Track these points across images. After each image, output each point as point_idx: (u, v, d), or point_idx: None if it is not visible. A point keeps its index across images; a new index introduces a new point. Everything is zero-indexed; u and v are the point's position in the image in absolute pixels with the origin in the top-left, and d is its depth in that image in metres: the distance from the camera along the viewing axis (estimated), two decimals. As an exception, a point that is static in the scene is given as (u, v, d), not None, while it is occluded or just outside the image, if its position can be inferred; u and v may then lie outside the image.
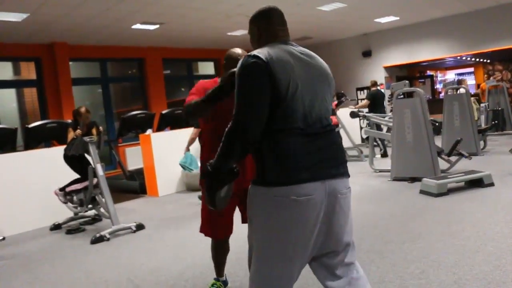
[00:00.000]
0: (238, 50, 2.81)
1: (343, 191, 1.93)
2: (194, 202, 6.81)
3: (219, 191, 1.90)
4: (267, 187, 1.83)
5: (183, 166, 7.40)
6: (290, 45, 2.01)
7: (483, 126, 10.64)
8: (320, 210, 1.85)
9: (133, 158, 10.04)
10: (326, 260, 1.98)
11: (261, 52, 1.85)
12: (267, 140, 1.84)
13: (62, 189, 5.89)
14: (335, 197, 1.88)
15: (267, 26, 2.09)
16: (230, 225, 3.02)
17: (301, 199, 1.79)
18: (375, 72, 13.83)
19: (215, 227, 3.01)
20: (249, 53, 1.87)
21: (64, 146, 5.93)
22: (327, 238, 1.93)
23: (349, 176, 2.01)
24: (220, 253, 3.20)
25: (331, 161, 1.90)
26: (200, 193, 3.79)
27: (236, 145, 1.80)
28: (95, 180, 5.54)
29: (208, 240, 4.48)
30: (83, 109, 6.06)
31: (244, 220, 2.90)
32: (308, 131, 1.86)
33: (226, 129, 1.81)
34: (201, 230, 3.12)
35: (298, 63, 1.90)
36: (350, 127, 11.16)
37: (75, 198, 5.82)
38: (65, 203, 5.90)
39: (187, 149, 6.96)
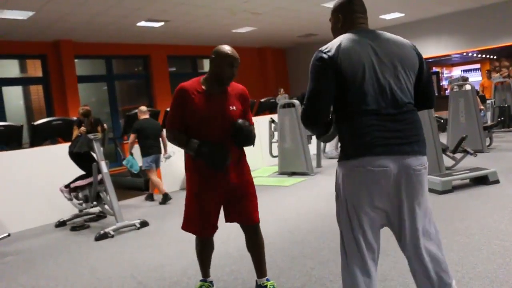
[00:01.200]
0: (226, 47, 2.82)
1: (416, 168, 2.05)
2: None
3: None
4: (347, 160, 2.05)
5: (128, 169, 7.27)
6: (368, 32, 2.17)
7: (489, 122, 10.58)
8: (392, 182, 2.01)
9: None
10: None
11: (330, 46, 2.08)
12: (344, 122, 2.06)
13: (67, 186, 5.92)
14: (407, 173, 2.02)
15: (351, 14, 2.22)
16: (216, 222, 3.03)
17: (376, 169, 1.97)
18: (381, 69, 13.77)
19: (202, 224, 3.00)
20: (321, 48, 2.09)
21: (69, 144, 5.97)
22: (399, 214, 2.08)
23: (424, 154, 2.13)
24: (205, 251, 3.18)
25: (404, 139, 2.03)
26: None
27: (309, 128, 2.16)
28: (99, 176, 5.56)
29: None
30: (82, 109, 6.14)
31: (228, 219, 3.08)
32: (381, 112, 2.01)
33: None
34: (184, 227, 3.12)
35: (370, 49, 2.06)
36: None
37: (80, 194, 5.85)
38: (70, 199, 5.93)
39: (130, 153, 6.95)
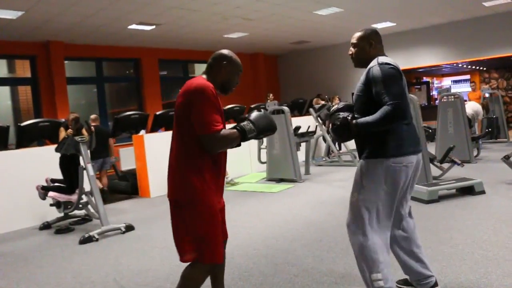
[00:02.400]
0: (234, 55, 2.62)
1: (421, 161, 2.80)
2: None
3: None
4: (386, 158, 2.62)
5: None
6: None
7: (478, 133, 10.66)
8: (411, 173, 2.72)
9: (126, 158, 10.00)
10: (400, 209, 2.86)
11: (391, 61, 2.70)
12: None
13: (45, 189, 5.88)
14: (418, 164, 2.77)
15: (380, 42, 2.87)
16: None
17: (408, 165, 2.66)
18: (371, 78, 13.83)
19: (220, 248, 2.53)
20: (381, 62, 2.67)
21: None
22: (406, 192, 2.82)
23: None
24: (221, 277, 2.82)
25: (417, 141, 2.75)
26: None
27: (388, 124, 2.57)
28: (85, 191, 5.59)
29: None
30: (73, 115, 6.14)
31: None
32: (410, 121, 2.71)
33: (385, 110, 2.51)
34: (209, 259, 2.46)
35: None
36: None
37: (53, 202, 5.86)
38: (42, 199, 5.90)
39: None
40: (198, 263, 2.46)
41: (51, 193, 5.86)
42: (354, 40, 2.86)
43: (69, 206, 5.86)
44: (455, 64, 15.49)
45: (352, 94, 3.11)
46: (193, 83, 2.39)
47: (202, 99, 2.33)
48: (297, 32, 11.78)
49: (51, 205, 5.92)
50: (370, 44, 2.81)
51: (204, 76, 2.54)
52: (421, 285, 2.86)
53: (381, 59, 2.69)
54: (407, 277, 3.03)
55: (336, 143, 10.25)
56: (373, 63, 2.70)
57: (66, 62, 10.73)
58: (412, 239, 2.89)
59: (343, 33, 12.52)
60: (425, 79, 20.35)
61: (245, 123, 2.49)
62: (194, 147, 2.41)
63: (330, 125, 2.80)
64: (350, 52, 2.90)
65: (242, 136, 2.46)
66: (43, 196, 5.90)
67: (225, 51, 2.60)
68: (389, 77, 2.58)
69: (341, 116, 2.70)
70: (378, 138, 2.64)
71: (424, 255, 2.88)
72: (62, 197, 5.82)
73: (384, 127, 2.58)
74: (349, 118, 2.67)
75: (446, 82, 21.26)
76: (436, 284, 2.86)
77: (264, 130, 2.54)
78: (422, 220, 4.84)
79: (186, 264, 2.54)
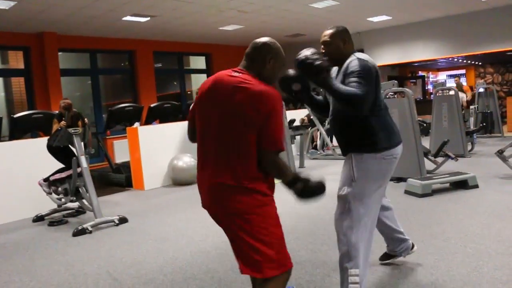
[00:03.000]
0: (276, 43, 2.38)
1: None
2: (179, 197, 6.78)
3: None
4: (379, 151, 2.67)
5: None
6: None
7: (472, 128, 10.70)
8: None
9: (120, 151, 9.97)
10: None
11: (369, 58, 2.67)
12: (376, 119, 2.67)
13: (46, 179, 5.84)
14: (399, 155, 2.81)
15: (350, 39, 2.81)
16: None
17: (397, 156, 2.76)
18: (367, 71, 13.83)
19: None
20: (360, 57, 2.63)
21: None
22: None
23: None
24: None
25: (398, 131, 2.84)
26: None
27: (346, 102, 2.54)
28: (79, 169, 5.49)
29: (190, 233, 4.49)
30: (63, 103, 6.05)
31: None
32: (388, 112, 2.79)
33: (351, 89, 2.47)
34: (285, 267, 2.22)
35: None
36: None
37: (60, 188, 5.77)
38: (49, 193, 5.85)
39: None
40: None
41: (53, 177, 5.77)
42: (326, 38, 2.76)
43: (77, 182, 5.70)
44: (450, 59, 15.50)
45: None
46: (265, 88, 2.12)
47: (280, 111, 2.12)
48: (292, 25, 11.73)
49: (58, 194, 5.80)
50: (344, 41, 2.75)
51: (244, 69, 2.26)
52: (402, 251, 3.32)
53: (359, 54, 2.67)
54: (385, 250, 3.42)
55: (328, 138, 10.26)
56: (352, 57, 2.65)
57: (60, 53, 10.64)
58: (391, 216, 3.27)
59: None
60: (420, 73, 20.37)
61: (299, 183, 2.20)
62: (251, 160, 2.11)
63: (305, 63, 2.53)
64: (323, 51, 2.75)
65: (287, 182, 2.20)
66: (48, 189, 5.83)
67: (268, 41, 2.32)
68: (365, 71, 2.53)
69: (323, 59, 2.50)
70: (367, 131, 2.65)
71: (400, 226, 3.29)
72: (66, 173, 5.72)
73: (340, 101, 2.53)
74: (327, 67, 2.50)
75: (442, 76, 21.30)
76: (412, 245, 3.36)
77: (301, 195, 2.23)
78: (415, 213, 4.86)
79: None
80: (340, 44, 2.74)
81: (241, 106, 2.09)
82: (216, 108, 2.17)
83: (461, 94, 10.60)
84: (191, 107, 2.38)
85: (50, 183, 5.82)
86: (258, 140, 2.08)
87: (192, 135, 2.42)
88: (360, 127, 2.66)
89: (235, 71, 2.23)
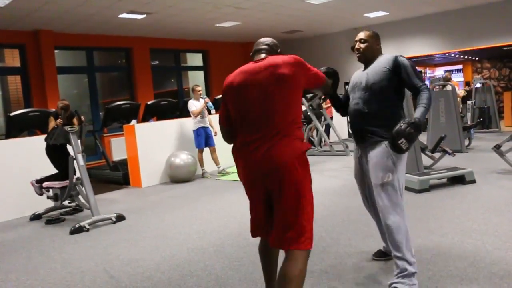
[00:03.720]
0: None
1: None
2: (177, 194, 6.78)
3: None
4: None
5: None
6: None
7: (469, 123, 10.71)
8: None
9: (118, 148, 9.97)
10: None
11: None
12: (400, 111, 3.02)
13: (39, 182, 5.83)
14: None
15: (380, 44, 3.22)
16: None
17: None
18: (364, 67, 13.81)
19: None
20: (400, 55, 3.07)
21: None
22: None
23: None
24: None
25: None
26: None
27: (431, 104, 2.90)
28: (75, 176, 5.51)
29: (187, 230, 4.48)
30: (61, 103, 6.04)
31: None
32: None
33: (427, 94, 2.85)
34: (310, 245, 2.39)
35: None
36: (337, 122, 11.18)
37: (50, 191, 5.78)
38: (40, 195, 5.84)
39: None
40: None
41: (46, 183, 5.79)
42: (363, 36, 3.12)
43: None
44: (447, 54, 15.48)
45: (345, 83, 3.23)
46: (284, 56, 2.51)
47: (305, 62, 2.55)
48: (289, 21, 11.70)
49: (48, 197, 5.85)
50: (378, 43, 3.16)
51: (265, 56, 2.59)
52: None
53: (394, 54, 3.07)
54: (381, 248, 3.47)
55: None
56: (390, 56, 3.04)
57: (56, 51, 10.61)
58: None
59: (336, 22, 12.47)
60: (417, 69, 20.35)
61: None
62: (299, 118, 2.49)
63: (402, 139, 2.70)
64: (358, 47, 3.11)
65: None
66: (40, 191, 5.83)
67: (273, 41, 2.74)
68: (414, 67, 2.97)
69: (405, 124, 2.69)
70: (392, 119, 2.86)
71: None
72: (58, 184, 5.75)
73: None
74: (411, 122, 2.70)
75: (439, 72, 21.29)
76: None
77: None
78: (412, 209, 4.86)
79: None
80: (374, 45, 3.14)
81: (283, 74, 2.40)
82: (256, 87, 2.43)
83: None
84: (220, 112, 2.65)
85: (42, 187, 5.82)
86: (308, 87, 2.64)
87: (228, 134, 2.65)
88: (394, 116, 2.92)
89: (257, 61, 2.54)
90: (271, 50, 2.65)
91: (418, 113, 2.76)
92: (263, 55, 2.59)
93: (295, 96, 2.45)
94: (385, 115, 2.94)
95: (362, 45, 3.11)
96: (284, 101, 2.39)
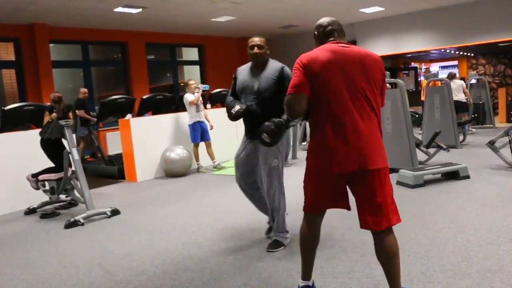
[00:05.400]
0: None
1: None
2: (172, 188, 6.78)
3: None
4: None
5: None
6: None
7: (464, 119, 10.75)
8: None
9: (113, 143, 9.94)
10: None
11: None
12: (277, 109, 3.52)
13: (35, 176, 5.81)
14: None
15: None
16: None
17: None
18: (360, 63, 13.80)
19: None
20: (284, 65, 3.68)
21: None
22: None
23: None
24: None
25: None
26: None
27: None
28: (70, 169, 5.49)
29: (182, 224, 4.49)
30: (54, 95, 6.00)
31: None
32: None
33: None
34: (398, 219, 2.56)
35: None
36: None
37: (47, 185, 5.76)
38: (36, 189, 5.83)
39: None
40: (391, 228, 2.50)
41: (42, 176, 5.77)
42: (260, 42, 3.61)
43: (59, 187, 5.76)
44: (443, 50, 15.51)
45: None
46: (375, 54, 2.61)
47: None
48: (285, 16, 11.68)
49: (45, 191, 5.84)
50: (267, 48, 3.70)
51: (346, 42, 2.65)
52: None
53: (280, 62, 3.67)
54: (269, 225, 4.06)
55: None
56: (277, 64, 3.65)
57: (51, 45, 10.55)
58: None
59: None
60: (413, 64, 20.39)
61: None
62: (379, 117, 2.52)
63: (264, 134, 3.22)
64: (257, 52, 3.59)
65: None
66: (36, 185, 5.81)
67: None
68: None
69: (270, 122, 3.23)
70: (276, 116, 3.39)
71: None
72: (54, 176, 5.73)
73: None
74: (276, 120, 3.24)
75: (434, 68, 21.33)
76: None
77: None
78: (407, 204, 4.88)
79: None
80: (266, 51, 3.68)
81: (378, 75, 2.53)
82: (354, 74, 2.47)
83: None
84: (299, 82, 2.50)
85: (38, 181, 5.80)
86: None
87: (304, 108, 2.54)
88: (277, 116, 3.36)
89: (344, 44, 2.58)
90: (344, 35, 2.76)
91: (284, 116, 3.28)
92: (340, 40, 2.67)
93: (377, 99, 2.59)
94: (271, 115, 3.36)
95: (261, 51, 3.61)
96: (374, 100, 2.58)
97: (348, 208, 2.64)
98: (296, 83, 2.47)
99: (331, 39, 2.63)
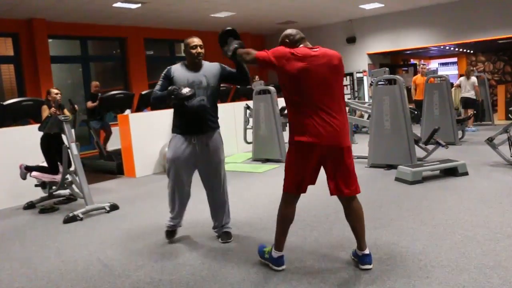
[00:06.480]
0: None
1: None
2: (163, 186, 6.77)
3: None
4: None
5: None
6: None
7: (463, 116, 10.75)
8: None
9: (112, 138, 9.92)
10: None
11: None
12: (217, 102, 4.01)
13: (28, 169, 5.81)
14: None
15: None
16: None
17: None
18: (359, 59, 13.84)
19: None
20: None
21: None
22: None
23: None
24: None
25: None
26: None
27: None
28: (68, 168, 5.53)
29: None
30: (53, 90, 5.98)
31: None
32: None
33: None
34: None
35: None
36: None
37: (36, 181, 5.80)
38: (23, 179, 5.84)
39: None
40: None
41: (34, 173, 5.80)
42: (200, 43, 3.80)
43: (53, 187, 5.82)
44: (442, 47, 15.50)
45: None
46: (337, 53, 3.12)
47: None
48: (284, 12, 11.66)
49: (36, 185, 5.87)
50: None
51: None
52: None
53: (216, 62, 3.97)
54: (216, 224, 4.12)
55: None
56: (212, 63, 3.92)
57: (50, 40, 10.53)
58: None
59: (331, 14, 12.43)
60: (412, 61, 20.37)
61: None
62: (344, 105, 3.13)
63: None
64: (200, 51, 3.78)
65: None
66: (24, 176, 5.83)
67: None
68: None
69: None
70: (217, 111, 3.90)
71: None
72: (46, 177, 5.77)
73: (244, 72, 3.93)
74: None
75: (434, 64, 21.32)
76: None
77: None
78: (405, 200, 4.89)
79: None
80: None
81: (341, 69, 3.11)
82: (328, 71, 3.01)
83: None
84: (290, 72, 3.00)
85: (28, 173, 5.82)
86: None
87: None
88: (217, 108, 3.91)
89: (313, 47, 3.07)
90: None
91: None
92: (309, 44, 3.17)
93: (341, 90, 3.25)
94: (216, 108, 3.86)
95: (202, 50, 3.80)
96: (339, 91, 3.22)
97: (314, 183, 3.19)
98: (269, 57, 3.02)
99: (301, 44, 3.11)
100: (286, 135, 8.62)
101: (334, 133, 2.94)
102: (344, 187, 3.04)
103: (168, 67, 3.90)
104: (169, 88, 3.64)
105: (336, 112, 2.98)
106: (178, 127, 3.84)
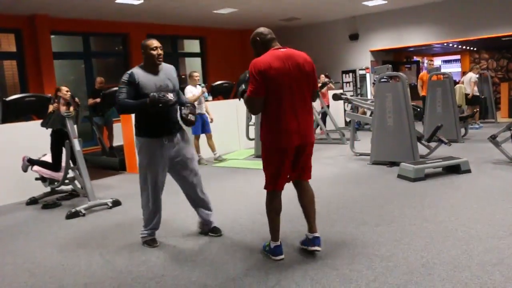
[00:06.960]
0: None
1: None
2: (172, 180, 6.76)
3: None
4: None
5: None
6: None
7: (466, 113, 10.73)
8: None
9: (114, 134, 9.93)
10: None
11: None
12: None
13: (30, 162, 5.82)
14: None
15: None
16: None
17: None
18: (362, 56, 13.80)
19: None
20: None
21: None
22: None
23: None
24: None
25: None
26: None
27: None
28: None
29: (182, 216, 4.52)
30: (63, 87, 5.99)
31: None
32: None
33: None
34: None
35: None
36: (334, 110, 11.19)
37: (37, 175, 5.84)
38: (24, 171, 5.85)
39: None
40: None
41: (35, 167, 5.80)
42: (160, 45, 3.80)
43: (55, 183, 5.83)
44: (445, 44, 15.45)
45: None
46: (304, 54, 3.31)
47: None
48: (287, 8, 11.63)
49: (36, 179, 5.88)
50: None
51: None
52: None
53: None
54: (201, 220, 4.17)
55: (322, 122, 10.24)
56: (168, 64, 4.00)
57: (52, 36, 10.53)
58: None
59: (334, 10, 12.40)
60: (415, 58, 20.32)
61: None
62: (311, 104, 3.38)
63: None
64: (160, 53, 3.77)
65: None
66: (25, 168, 5.85)
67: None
68: None
69: (189, 105, 4.06)
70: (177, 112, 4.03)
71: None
72: (46, 173, 5.77)
73: None
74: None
75: (437, 62, 21.27)
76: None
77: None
78: (408, 197, 4.89)
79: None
80: None
81: (311, 69, 3.29)
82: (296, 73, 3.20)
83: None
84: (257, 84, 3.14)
85: (29, 167, 5.83)
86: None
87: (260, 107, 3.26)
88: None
89: (283, 49, 3.27)
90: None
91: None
92: (278, 44, 3.34)
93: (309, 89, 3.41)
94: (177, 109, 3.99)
95: (162, 52, 3.82)
96: (307, 89, 3.37)
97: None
98: (256, 88, 3.12)
99: (273, 44, 3.28)
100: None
101: (305, 131, 3.23)
102: (305, 173, 3.42)
103: (129, 72, 3.74)
104: (152, 95, 3.57)
105: (304, 111, 3.24)
106: (147, 130, 3.75)
